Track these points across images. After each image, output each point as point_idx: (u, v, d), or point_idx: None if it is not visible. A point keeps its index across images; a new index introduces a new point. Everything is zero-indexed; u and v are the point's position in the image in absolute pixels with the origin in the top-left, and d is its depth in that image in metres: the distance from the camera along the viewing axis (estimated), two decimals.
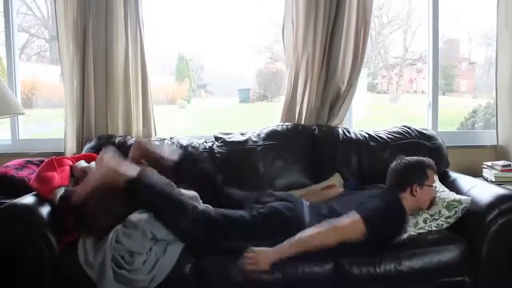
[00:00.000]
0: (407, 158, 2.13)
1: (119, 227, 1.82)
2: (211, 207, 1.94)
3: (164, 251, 1.80)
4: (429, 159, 2.13)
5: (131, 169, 1.90)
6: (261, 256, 1.74)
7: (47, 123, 3.32)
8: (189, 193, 1.96)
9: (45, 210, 1.88)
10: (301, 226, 1.86)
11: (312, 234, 1.78)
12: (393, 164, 2.13)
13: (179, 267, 1.78)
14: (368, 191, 2.13)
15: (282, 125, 2.61)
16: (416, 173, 2.05)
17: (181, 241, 1.84)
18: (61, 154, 2.53)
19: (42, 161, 2.23)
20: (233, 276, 1.76)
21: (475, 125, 3.40)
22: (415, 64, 3.65)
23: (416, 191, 2.02)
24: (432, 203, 2.06)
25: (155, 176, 1.93)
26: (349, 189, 2.28)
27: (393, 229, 1.90)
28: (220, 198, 2.08)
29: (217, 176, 2.23)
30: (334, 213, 1.94)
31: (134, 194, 1.86)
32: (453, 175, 2.42)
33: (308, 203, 2.04)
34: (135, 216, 1.84)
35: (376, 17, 3.37)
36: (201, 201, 1.98)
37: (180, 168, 2.13)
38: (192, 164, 2.22)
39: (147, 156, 2.14)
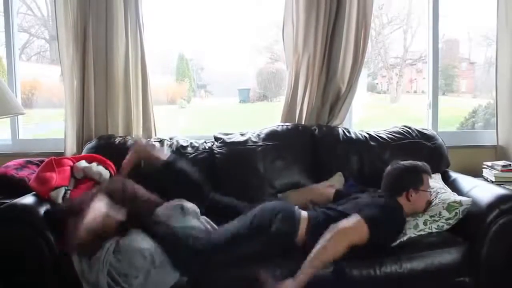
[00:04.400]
0: (402, 162, 2.11)
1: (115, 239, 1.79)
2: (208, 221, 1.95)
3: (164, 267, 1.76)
4: (425, 164, 2.11)
5: (119, 213, 1.85)
6: None
7: (47, 123, 3.32)
8: (188, 205, 1.94)
9: (45, 210, 1.88)
10: (292, 213, 1.89)
11: (322, 248, 1.73)
12: (388, 168, 2.12)
13: (175, 281, 1.74)
14: (367, 197, 2.09)
15: (282, 125, 2.61)
16: (411, 178, 2.04)
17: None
18: (61, 154, 2.53)
19: (42, 161, 2.23)
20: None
21: (475, 125, 3.41)
22: (415, 64, 3.66)
23: (411, 195, 2.01)
24: (427, 206, 2.06)
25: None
26: (348, 189, 2.28)
27: (392, 236, 1.90)
28: (208, 205, 2.07)
29: (204, 184, 2.19)
30: (332, 209, 1.97)
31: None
32: (453, 175, 2.42)
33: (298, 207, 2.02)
34: (128, 240, 1.79)
35: (376, 17, 3.37)
36: (201, 217, 1.97)
37: (167, 169, 2.15)
38: (179, 167, 2.19)
39: (144, 157, 2.17)
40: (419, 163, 2.10)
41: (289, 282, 1.67)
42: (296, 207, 1.97)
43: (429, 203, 2.07)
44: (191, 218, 1.92)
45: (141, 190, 2.01)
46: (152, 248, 1.76)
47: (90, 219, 1.74)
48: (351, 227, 1.78)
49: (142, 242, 1.77)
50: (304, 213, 1.93)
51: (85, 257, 1.75)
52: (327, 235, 1.76)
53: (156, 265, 1.74)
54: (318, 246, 1.74)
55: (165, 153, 2.26)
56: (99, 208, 1.79)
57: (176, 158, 2.24)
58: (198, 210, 1.97)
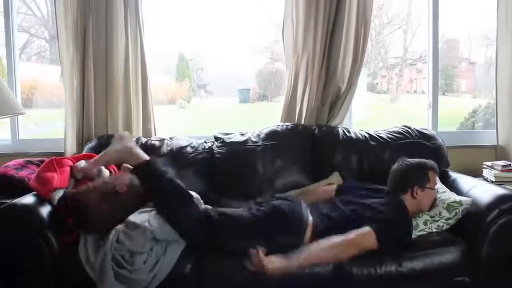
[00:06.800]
0: (409, 159, 2.11)
1: (119, 227, 1.82)
2: (210, 207, 1.95)
3: (165, 251, 1.80)
4: (431, 161, 2.11)
5: (144, 154, 1.99)
6: (270, 265, 1.68)
7: (47, 123, 3.32)
8: (192, 194, 1.96)
9: (45, 210, 1.88)
10: (301, 225, 1.86)
11: (325, 248, 1.76)
12: (395, 166, 2.12)
13: (179, 267, 1.78)
14: (373, 198, 2.04)
15: (282, 125, 2.61)
16: (418, 175, 2.03)
17: (181, 237, 1.84)
18: (61, 154, 2.53)
19: (42, 161, 2.23)
20: (233, 276, 1.76)
21: (475, 125, 3.41)
22: (415, 64, 3.66)
23: (417, 193, 2.00)
24: (432, 205, 2.06)
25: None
26: (348, 184, 2.27)
27: (402, 239, 1.88)
28: None
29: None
30: (337, 209, 1.95)
31: (145, 177, 1.91)
32: (453, 175, 2.42)
33: (306, 204, 2.02)
34: (134, 217, 1.84)
35: (376, 17, 3.37)
36: (202, 202, 1.99)
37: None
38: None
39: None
40: (425, 160, 2.09)
41: (276, 259, 1.69)
42: (304, 209, 1.95)
43: (434, 201, 2.06)
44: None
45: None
46: (152, 223, 1.80)
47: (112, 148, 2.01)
48: (360, 239, 1.78)
49: (142, 219, 1.81)
50: (310, 220, 1.91)
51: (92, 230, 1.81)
52: (336, 239, 1.77)
53: (158, 240, 1.79)
54: (323, 245, 1.76)
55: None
56: (127, 143, 2.02)
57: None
58: (200, 198, 1.99)
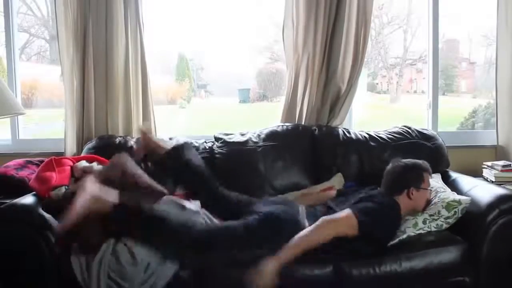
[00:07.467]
0: (403, 160, 2.12)
1: (107, 247, 1.77)
2: (208, 218, 1.94)
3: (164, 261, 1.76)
4: (425, 162, 2.11)
5: (112, 195, 1.84)
6: (265, 271, 1.69)
7: (47, 123, 3.32)
8: (191, 206, 1.94)
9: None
10: (298, 230, 1.85)
11: (307, 232, 1.80)
12: (389, 167, 2.12)
13: (178, 271, 1.76)
14: (366, 193, 2.09)
15: (282, 125, 2.61)
16: (413, 176, 2.04)
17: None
18: (61, 154, 2.53)
19: (42, 161, 2.23)
20: (233, 279, 1.75)
21: (475, 125, 3.41)
22: (415, 64, 3.66)
23: (412, 194, 2.01)
24: (427, 205, 2.06)
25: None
26: (348, 189, 2.28)
27: (386, 231, 1.90)
28: (214, 200, 2.09)
29: (211, 177, 2.18)
30: (331, 212, 1.95)
31: (119, 219, 1.81)
32: (453, 175, 2.42)
33: (304, 208, 2.02)
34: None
35: (376, 17, 3.38)
36: (201, 210, 1.97)
37: (170, 159, 2.11)
38: (184, 157, 2.14)
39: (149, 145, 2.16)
40: (419, 161, 2.11)
41: (269, 261, 1.71)
42: (301, 213, 1.96)
43: (428, 202, 2.07)
44: (191, 214, 1.91)
45: (143, 178, 2.00)
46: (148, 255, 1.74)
47: (78, 204, 1.73)
48: (338, 218, 1.84)
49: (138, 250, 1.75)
50: (306, 225, 1.90)
51: (83, 249, 1.76)
52: (313, 225, 1.82)
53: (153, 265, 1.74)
54: (303, 232, 1.80)
55: (170, 143, 2.21)
56: (88, 191, 1.79)
57: (181, 148, 2.16)
58: (198, 209, 1.96)
